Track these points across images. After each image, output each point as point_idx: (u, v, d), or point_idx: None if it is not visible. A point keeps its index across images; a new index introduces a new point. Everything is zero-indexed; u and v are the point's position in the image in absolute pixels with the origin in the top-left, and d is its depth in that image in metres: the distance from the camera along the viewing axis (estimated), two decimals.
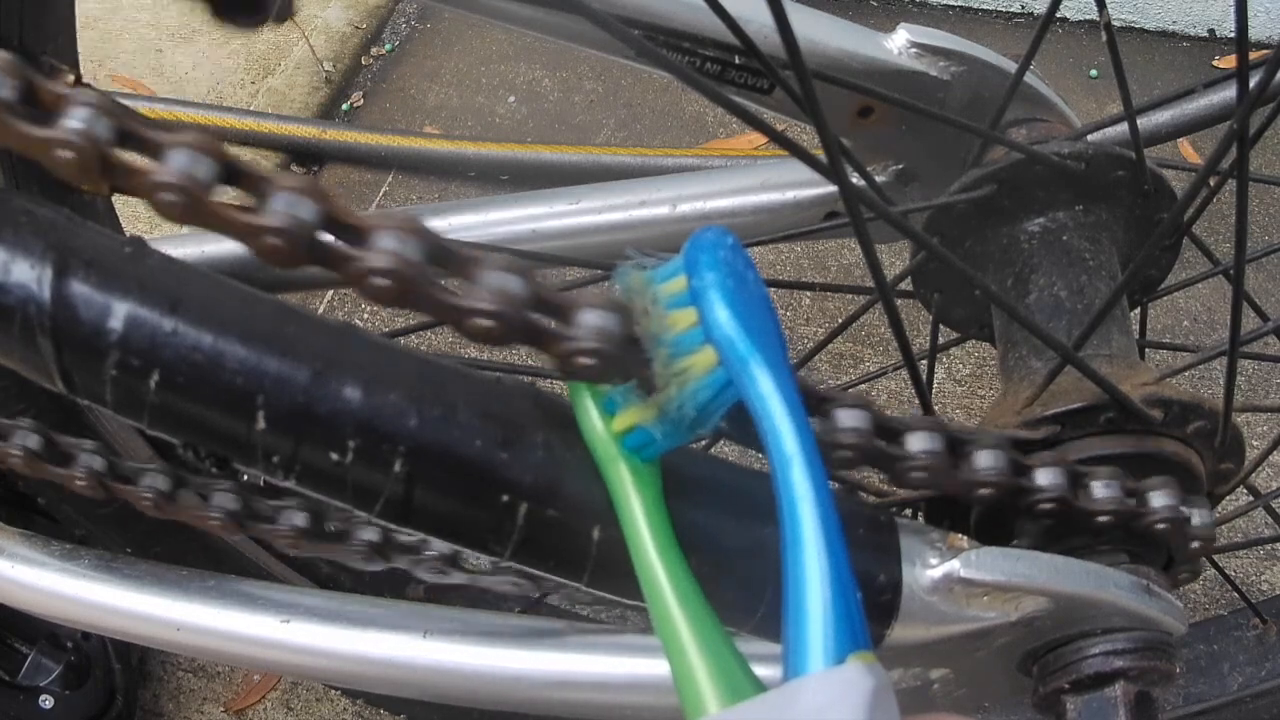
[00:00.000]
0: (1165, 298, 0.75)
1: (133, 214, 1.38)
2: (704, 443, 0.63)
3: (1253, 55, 0.52)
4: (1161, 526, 0.45)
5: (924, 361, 0.65)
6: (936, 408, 1.19)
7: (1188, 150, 1.43)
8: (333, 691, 1.03)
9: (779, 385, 0.32)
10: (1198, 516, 0.46)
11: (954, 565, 0.42)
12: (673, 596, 0.34)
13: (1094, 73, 1.59)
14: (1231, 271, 0.47)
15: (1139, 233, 0.57)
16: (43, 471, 0.49)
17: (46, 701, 0.89)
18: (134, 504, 0.51)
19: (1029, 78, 0.59)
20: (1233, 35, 0.57)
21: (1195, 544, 0.46)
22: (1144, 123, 0.84)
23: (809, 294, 1.30)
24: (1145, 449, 0.49)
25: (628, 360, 0.34)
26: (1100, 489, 0.44)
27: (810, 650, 0.29)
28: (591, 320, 0.34)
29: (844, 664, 0.29)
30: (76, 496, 0.53)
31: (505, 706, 0.59)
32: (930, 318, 0.65)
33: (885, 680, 0.29)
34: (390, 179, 1.46)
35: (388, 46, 1.69)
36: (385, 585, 0.77)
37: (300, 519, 0.51)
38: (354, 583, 0.79)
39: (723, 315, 0.32)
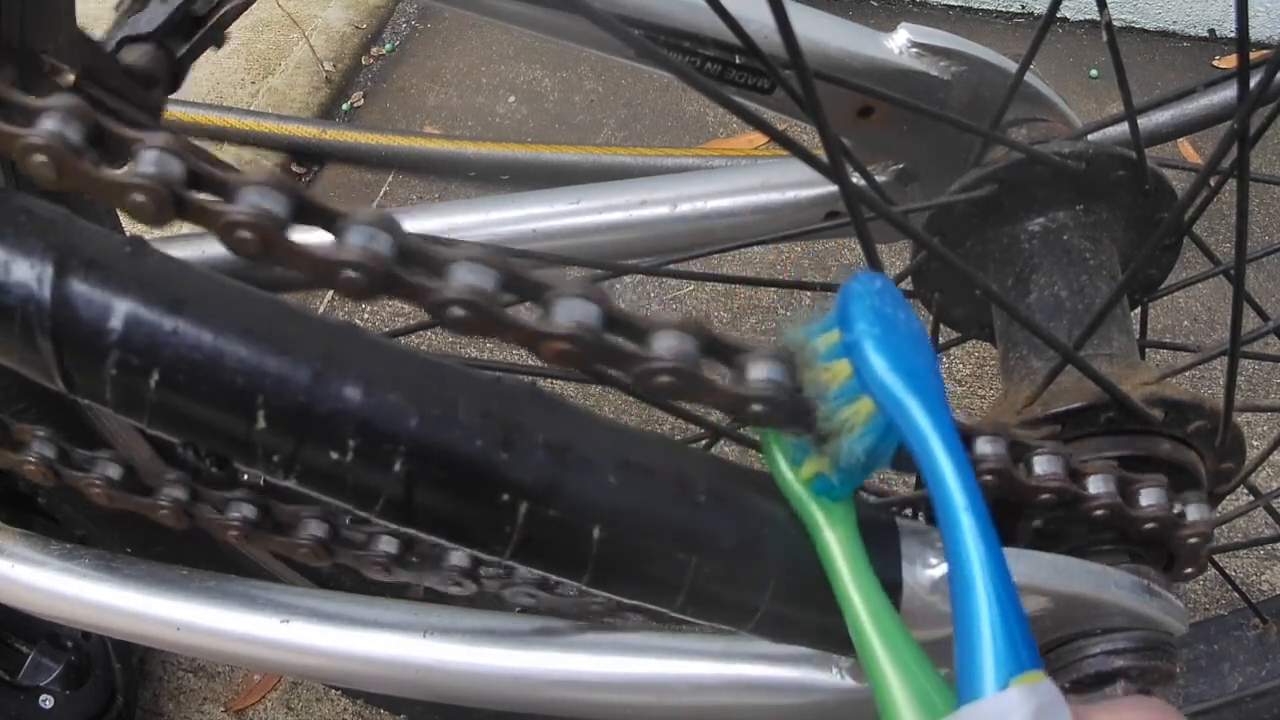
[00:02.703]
0: (1165, 298, 0.75)
1: None
2: (704, 443, 0.63)
3: (1253, 55, 0.52)
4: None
5: None
6: None
7: (1188, 150, 1.43)
8: (333, 691, 1.03)
9: (936, 426, 0.34)
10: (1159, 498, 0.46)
11: None
12: (871, 626, 0.36)
13: (1094, 73, 1.59)
14: (1232, 271, 0.47)
15: (1139, 232, 0.57)
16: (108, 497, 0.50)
17: (46, 701, 0.89)
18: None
19: (1029, 77, 0.58)
20: (1233, 35, 0.57)
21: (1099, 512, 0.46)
22: (1144, 123, 0.84)
23: (809, 294, 1.30)
24: (1145, 449, 0.49)
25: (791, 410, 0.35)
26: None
27: (975, 680, 0.31)
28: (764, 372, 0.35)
29: (1006, 690, 0.31)
30: (79, 496, 0.53)
31: (506, 706, 0.59)
32: (931, 317, 0.65)
33: (1051, 696, 0.31)
34: (390, 179, 1.46)
35: (388, 46, 1.69)
36: (385, 585, 0.77)
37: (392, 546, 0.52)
38: (354, 583, 0.79)
39: (876, 365, 0.34)
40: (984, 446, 0.42)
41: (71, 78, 0.50)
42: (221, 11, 0.51)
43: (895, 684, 0.34)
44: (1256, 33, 1.58)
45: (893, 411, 0.34)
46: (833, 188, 0.68)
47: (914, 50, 0.60)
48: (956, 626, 0.33)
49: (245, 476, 0.53)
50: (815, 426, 0.35)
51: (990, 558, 0.33)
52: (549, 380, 0.89)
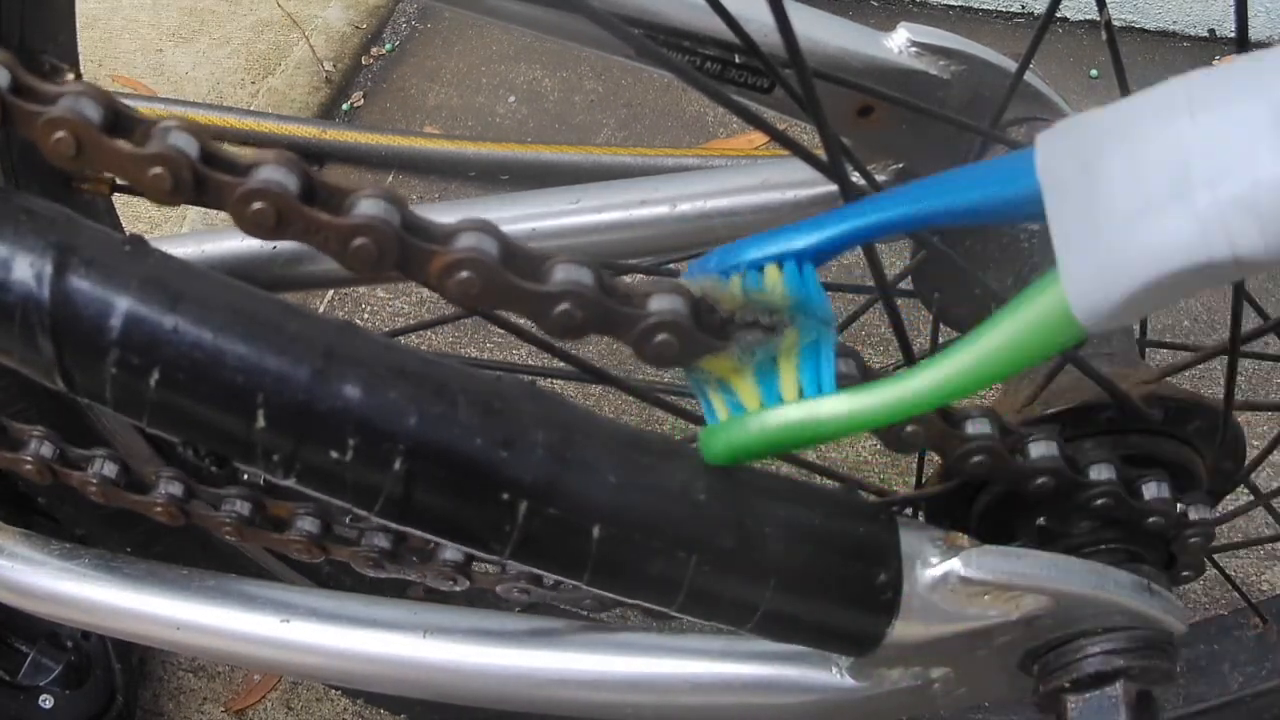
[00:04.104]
0: None
1: (133, 214, 1.38)
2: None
3: None
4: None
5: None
6: None
7: None
8: (333, 691, 1.03)
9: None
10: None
11: (954, 564, 0.42)
12: (932, 384, 0.34)
13: (1094, 73, 1.59)
14: None
15: None
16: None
17: (46, 701, 0.89)
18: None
19: (1029, 77, 0.58)
20: (1233, 35, 0.57)
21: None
22: None
23: None
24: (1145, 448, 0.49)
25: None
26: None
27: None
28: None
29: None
30: (77, 495, 0.53)
31: (506, 706, 0.59)
32: (931, 317, 0.65)
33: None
34: (390, 179, 1.46)
35: (388, 46, 1.69)
36: (385, 585, 0.77)
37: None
38: (354, 582, 0.79)
39: (753, 248, 0.37)
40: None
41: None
42: None
43: (1013, 341, 0.32)
44: (1256, 33, 1.58)
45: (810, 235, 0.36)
46: (832, 187, 0.67)
47: (914, 49, 0.60)
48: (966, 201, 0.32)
49: (245, 476, 0.53)
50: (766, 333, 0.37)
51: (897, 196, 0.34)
52: (549, 380, 0.89)
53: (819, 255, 0.36)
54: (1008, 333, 0.31)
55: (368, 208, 0.34)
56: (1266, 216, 0.24)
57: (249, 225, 0.34)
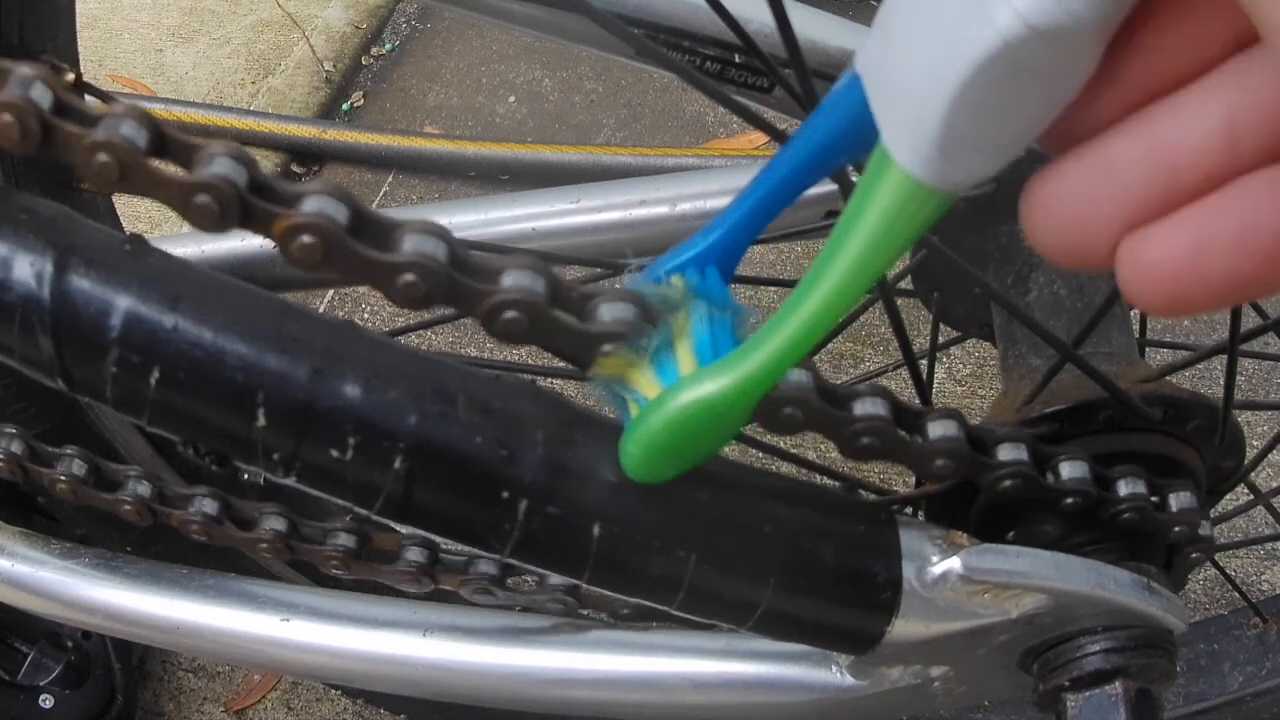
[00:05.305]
0: None
1: (133, 213, 1.38)
2: None
3: None
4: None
5: (924, 360, 0.65)
6: None
7: None
8: (333, 691, 1.03)
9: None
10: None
11: (954, 562, 0.42)
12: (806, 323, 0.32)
13: None
14: None
15: None
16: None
17: (46, 701, 0.89)
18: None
19: None
20: None
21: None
22: None
23: None
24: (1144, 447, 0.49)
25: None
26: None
27: None
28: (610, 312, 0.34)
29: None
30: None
31: (506, 705, 0.59)
32: (930, 316, 0.65)
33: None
34: (390, 179, 1.46)
35: (388, 46, 1.69)
36: (388, 586, 0.77)
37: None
38: (354, 582, 0.79)
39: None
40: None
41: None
42: None
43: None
44: None
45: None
46: (832, 187, 0.68)
47: None
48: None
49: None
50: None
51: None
52: (549, 380, 0.89)
53: (718, 256, 0.35)
54: (867, 229, 0.29)
55: (215, 166, 0.33)
56: None
57: (92, 177, 0.33)
